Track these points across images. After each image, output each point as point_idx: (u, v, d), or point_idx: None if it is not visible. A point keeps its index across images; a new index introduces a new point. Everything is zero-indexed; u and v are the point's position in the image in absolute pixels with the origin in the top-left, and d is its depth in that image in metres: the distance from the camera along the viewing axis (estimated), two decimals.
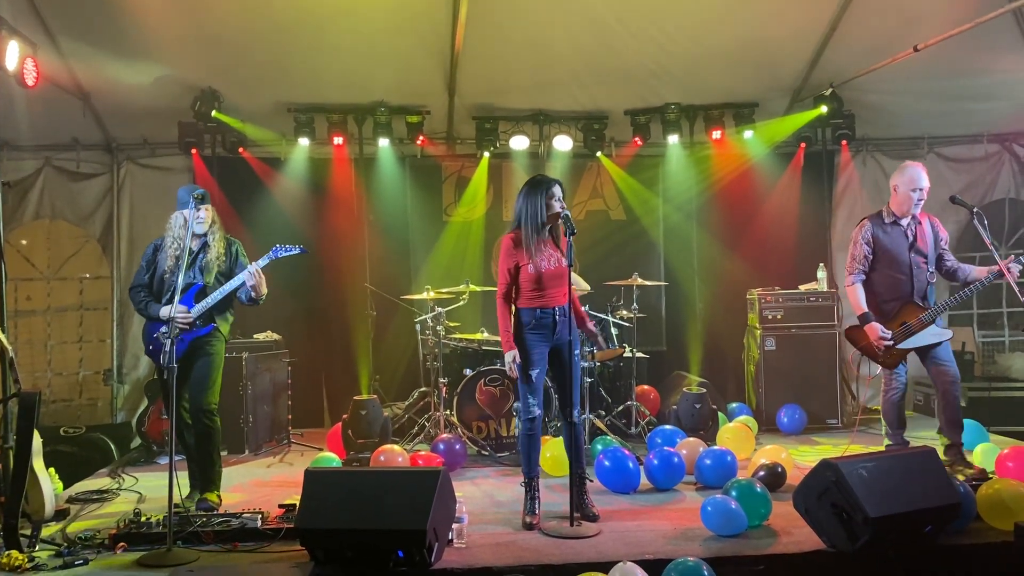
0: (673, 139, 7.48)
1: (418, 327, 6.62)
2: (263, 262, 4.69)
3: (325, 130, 7.22)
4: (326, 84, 6.88)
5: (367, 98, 7.11)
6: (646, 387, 6.87)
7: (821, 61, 6.87)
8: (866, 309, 4.87)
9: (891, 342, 4.83)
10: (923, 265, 4.82)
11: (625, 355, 6.50)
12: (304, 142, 7.20)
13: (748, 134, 7.41)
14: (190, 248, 4.63)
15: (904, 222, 4.86)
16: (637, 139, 7.45)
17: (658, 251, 7.90)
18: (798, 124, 7.43)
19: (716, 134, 7.39)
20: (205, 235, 4.76)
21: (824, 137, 7.64)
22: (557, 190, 4.35)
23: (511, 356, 4.31)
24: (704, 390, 6.38)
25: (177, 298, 4.31)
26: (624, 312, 6.61)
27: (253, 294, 4.69)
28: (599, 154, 7.66)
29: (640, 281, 6.50)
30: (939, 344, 4.83)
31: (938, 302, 4.88)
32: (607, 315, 6.49)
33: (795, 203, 7.80)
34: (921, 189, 4.78)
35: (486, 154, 7.54)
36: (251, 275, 4.62)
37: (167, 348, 4.38)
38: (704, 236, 7.87)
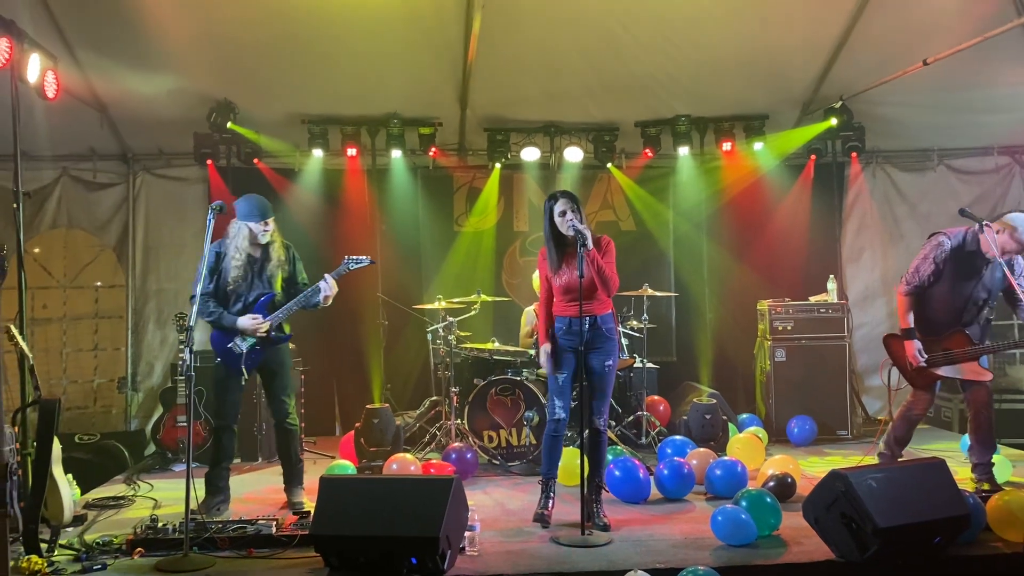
0: (683, 151, 7.53)
1: (429, 336, 6.67)
2: (337, 274, 4.84)
3: (339, 141, 7.30)
4: (340, 96, 6.97)
5: (380, 110, 7.20)
6: (656, 397, 6.90)
7: (831, 74, 6.92)
8: (911, 324, 4.81)
9: (925, 363, 4.83)
10: (982, 302, 4.77)
11: (635, 365, 6.54)
12: (318, 153, 7.29)
13: (758, 146, 7.47)
14: (256, 259, 4.83)
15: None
16: (647, 151, 7.52)
17: (668, 262, 7.94)
18: (808, 136, 7.48)
19: (726, 146, 7.45)
20: (268, 245, 4.89)
21: (834, 149, 7.69)
22: (559, 205, 4.44)
23: (544, 349, 4.48)
24: (714, 401, 6.41)
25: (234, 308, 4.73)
26: (634, 322, 6.65)
27: (323, 304, 4.82)
28: (610, 165, 7.72)
29: (650, 292, 6.54)
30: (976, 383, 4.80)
31: (992, 342, 4.80)
32: (619, 325, 6.54)
33: (805, 215, 7.84)
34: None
35: (497, 165, 7.61)
36: (328, 286, 4.77)
37: (243, 351, 4.76)
38: (714, 247, 7.91)
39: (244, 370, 4.81)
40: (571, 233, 4.36)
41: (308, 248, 6.71)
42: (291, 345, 6.89)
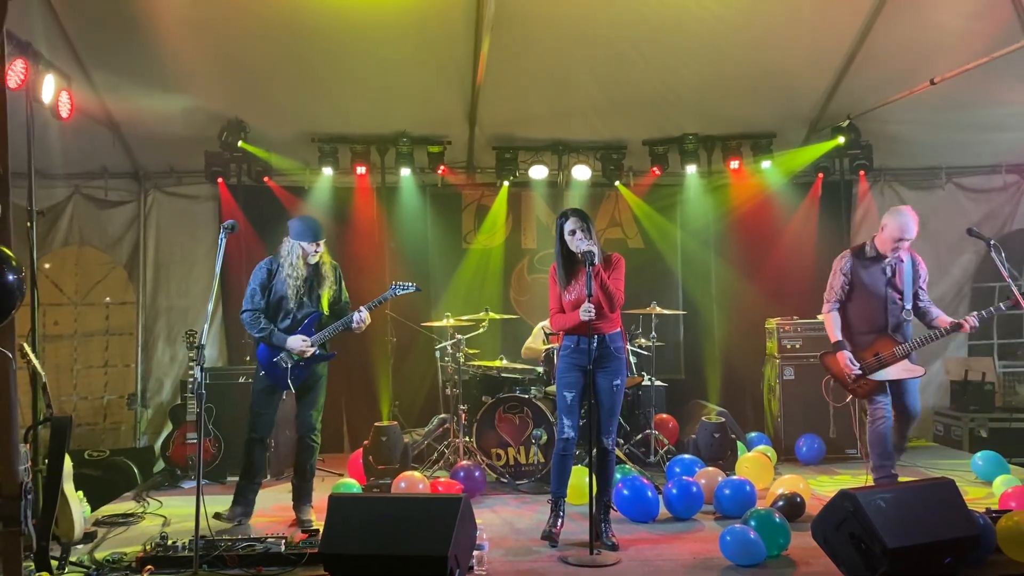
0: (691, 169, 7.56)
1: (438, 354, 6.69)
2: (379, 301, 5.06)
3: (348, 160, 7.36)
4: (350, 115, 7.05)
5: (390, 129, 7.26)
6: (664, 416, 6.90)
7: (838, 92, 6.96)
8: (840, 337, 5.06)
9: (859, 372, 4.98)
10: (899, 301, 5.00)
11: (643, 383, 6.54)
12: (328, 171, 7.34)
13: (766, 164, 7.50)
14: (307, 277, 4.99)
15: (887, 258, 5.04)
16: (655, 169, 7.55)
17: (676, 280, 7.96)
18: (816, 154, 7.51)
19: (734, 164, 7.48)
20: (317, 265, 5.07)
21: (842, 167, 7.71)
22: (569, 223, 4.48)
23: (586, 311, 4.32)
24: (723, 419, 6.41)
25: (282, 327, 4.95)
26: (642, 340, 6.66)
27: (357, 330, 5.05)
28: (617, 183, 7.76)
29: (658, 310, 6.56)
30: (910, 381, 5.01)
31: (914, 338, 5.01)
32: (626, 343, 6.55)
33: (813, 233, 7.85)
34: (905, 240, 4.97)
35: (506, 183, 7.66)
36: (361, 319, 4.99)
37: (288, 366, 4.91)
38: (722, 265, 7.93)
39: (290, 384, 4.97)
40: (579, 252, 4.39)
41: None
42: None
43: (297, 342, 4.92)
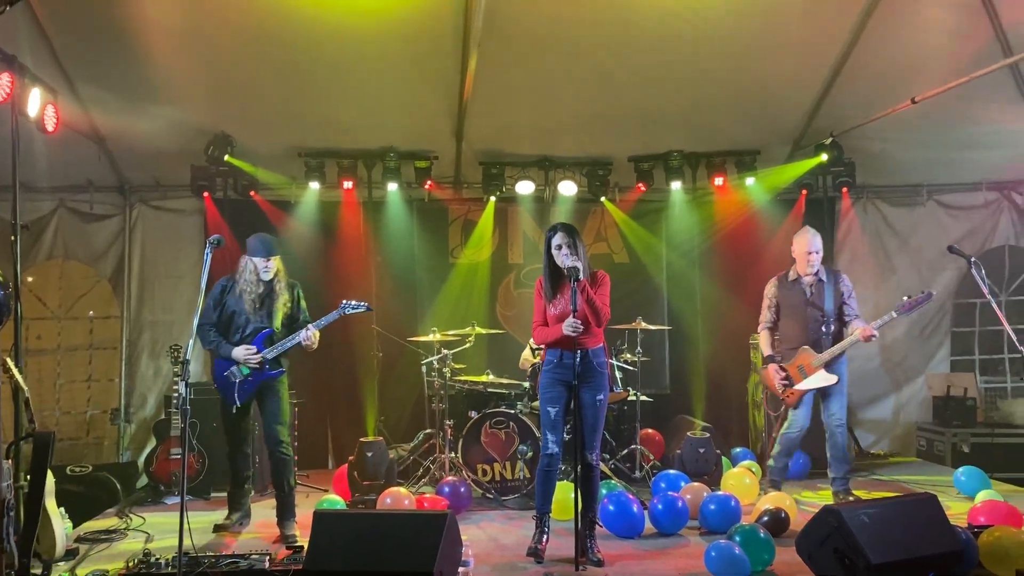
0: (676, 185, 7.61)
1: (424, 369, 6.69)
2: (328, 320, 5.03)
3: (335, 174, 7.37)
4: (337, 129, 7.05)
5: (377, 143, 7.28)
6: (650, 431, 6.93)
7: (822, 110, 7.02)
8: (770, 352, 5.68)
9: (787, 383, 5.53)
10: (820, 318, 5.49)
11: (629, 398, 6.56)
12: (314, 186, 7.34)
13: (750, 181, 7.56)
14: (260, 294, 5.08)
15: (806, 280, 5.59)
16: (640, 185, 7.60)
17: (662, 295, 8.00)
18: (799, 171, 7.58)
19: (718, 181, 7.53)
20: (271, 281, 5.13)
21: (825, 184, 7.78)
22: (556, 238, 4.51)
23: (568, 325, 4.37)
24: (708, 434, 6.44)
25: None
26: (628, 355, 6.68)
27: (307, 347, 5.13)
28: (603, 199, 7.80)
29: (644, 325, 6.58)
30: (832, 390, 5.47)
31: (829, 350, 5.46)
32: (611, 358, 6.57)
33: None
34: (812, 252, 5.54)
35: (492, 198, 7.69)
36: (307, 336, 5.05)
37: (236, 380, 4.97)
38: (707, 281, 7.98)
39: (236, 399, 5.03)
40: (564, 268, 4.41)
41: (303, 280, 6.67)
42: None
43: (241, 351, 5.01)
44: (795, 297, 5.61)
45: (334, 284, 7.35)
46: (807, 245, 5.57)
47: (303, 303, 5.26)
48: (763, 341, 5.75)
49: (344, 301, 5.17)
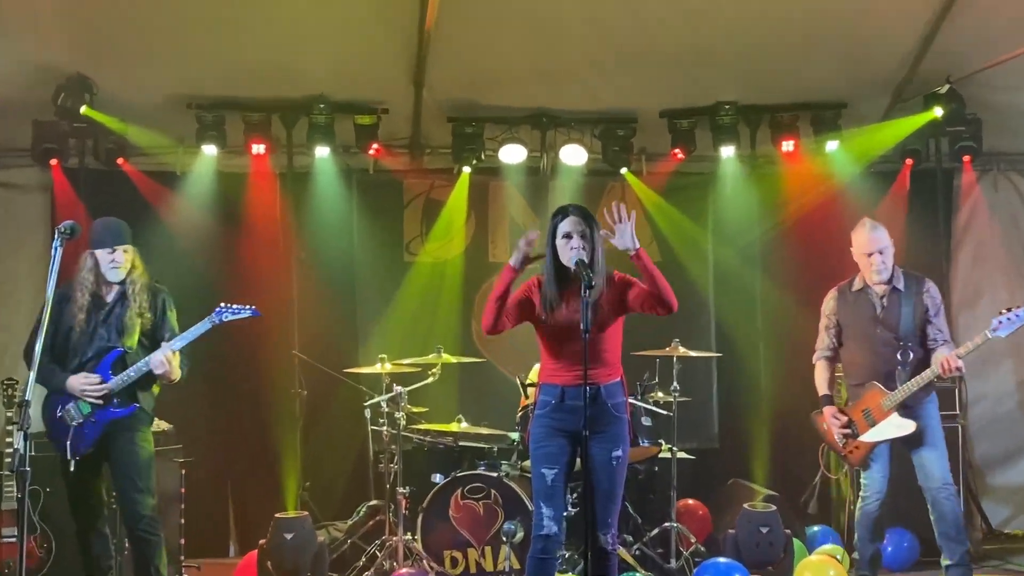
0: (727, 151, 7.62)
1: (368, 413, 6.64)
2: (192, 335, 4.98)
3: (240, 134, 7.33)
4: (242, 70, 7.01)
5: (299, 91, 7.25)
6: (691, 502, 6.91)
7: (934, 46, 7.04)
8: (825, 391, 5.74)
9: (850, 432, 5.54)
10: (892, 342, 5.50)
11: (661, 455, 6.54)
12: (210, 151, 7.31)
13: (832, 146, 7.58)
14: (105, 301, 5.02)
15: (875, 291, 5.62)
16: (677, 151, 7.59)
17: (707, 309, 7.99)
18: (902, 133, 7.60)
19: (787, 145, 7.55)
20: (123, 283, 5.06)
21: (938, 151, 7.83)
22: (565, 224, 4.48)
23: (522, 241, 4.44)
24: (773, 507, 6.43)
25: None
26: (660, 395, 6.66)
27: (164, 379, 5.03)
28: (624, 171, 7.80)
29: (682, 351, 6.56)
30: (923, 443, 5.44)
31: (902, 387, 5.42)
32: (636, 398, 6.55)
33: (899, 242, 7.86)
34: (873, 254, 5.56)
35: (466, 169, 7.67)
36: (160, 361, 4.94)
37: (71, 424, 4.92)
38: (772, 288, 7.98)
39: (72, 449, 4.95)
40: (574, 266, 4.39)
41: (192, 284, 6.70)
42: (163, 425, 6.90)
43: (79, 380, 4.95)
44: (860, 314, 5.67)
45: (236, 291, 7.19)
46: (866, 243, 5.65)
47: (171, 314, 5.20)
48: (819, 375, 5.82)
49: (221, 306, 5.13)
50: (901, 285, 5.60)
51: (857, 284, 5.72)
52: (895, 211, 7.93)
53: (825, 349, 5.79)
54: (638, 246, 4.49)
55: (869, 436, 5.49)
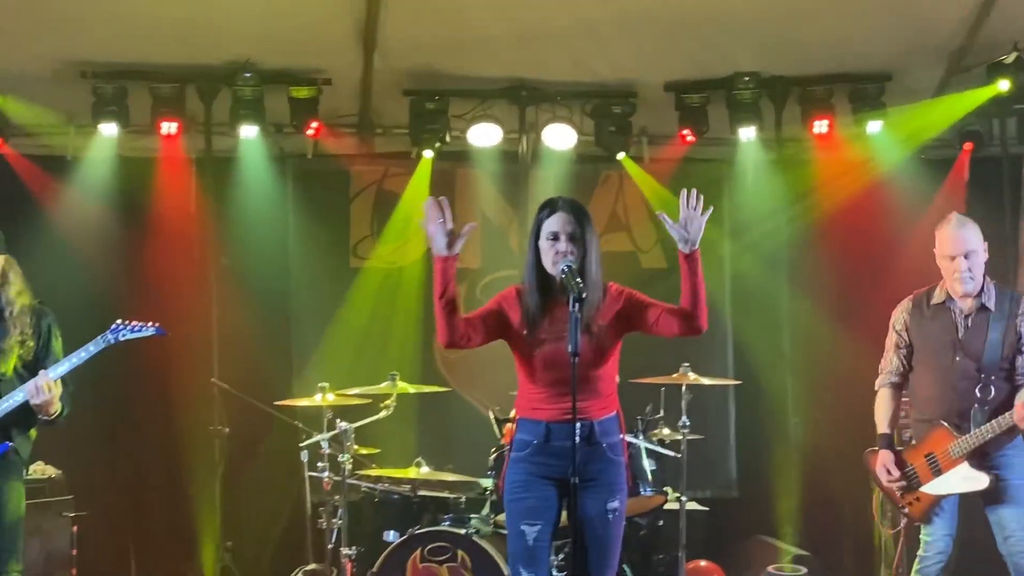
0: (747, 133, 7.64)
1: (305, 456, 6.57)
2: (77, 360, 4.92)
3: (147, 110, 7.28)
4: (150, 31, 6.97)
5: (220, 56, 7.23)
6: (704, 563, 6.89)
7: (998, 4, 7.05)
8: (886, 429, 5.52)
9: (909, 482, 5.38)
10: (972, 374, 5.31)
11: (667, 506, 6.52)
12: (109, 130, 7.26)
13: (875, 126, 7.59)
14: None
15: (959, 307, 5.40)
16: (686, 132, 7.60)
17: (723, 326, 8.02)
18: (960, 111, 7.62)
19: (820, 126, 7.56)
20: None
21: (1004, 133, 7.86)
22: (552, 222, 4.43)
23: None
24: (804, 569, 6.47)
25: None
26: (665, 432, 6.63)
27: (43, 415, 4.89)
28: (622, 157, 7.80)
29: (693, 377, 6.52)
30: (1001, 497, 5.23)
31: (975, 432, 5.25)
32: (636, 436, 6.53)
33: None
34: (957, 257, 5.31)
35: (428, 154, 7.65)
36: (36, 389, 4.81)
37: None
38: (802, 302, 8.00)
39: None
40: (560, 275, 4.36)
41: (85, 298, 6.74)
42: (49, 471, 6.83)
43: None
44: (937, 334, 5.49)
45: (141, 306, 7.12)
46: (949, 243, 5.42)
47: (57, 343, 5.11)
48: (880, 406, 5.65)
49: (117, 323, 5.06)
50: (991, 303, 5.39)
51: (938, 296, 5.52)
52: (951, 206, 7.87)
53: (892, 373, 5.60)
54: (697, 245, 4.42)
55: (932, 488, 5.36)
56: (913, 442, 5.52)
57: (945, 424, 5.30)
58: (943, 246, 5.41)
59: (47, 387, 4.84)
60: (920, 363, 5.52)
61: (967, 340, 5.36)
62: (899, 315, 5.62)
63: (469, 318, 4.46)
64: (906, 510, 5.51)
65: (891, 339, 5.62)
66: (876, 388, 5.67)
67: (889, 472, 5.42)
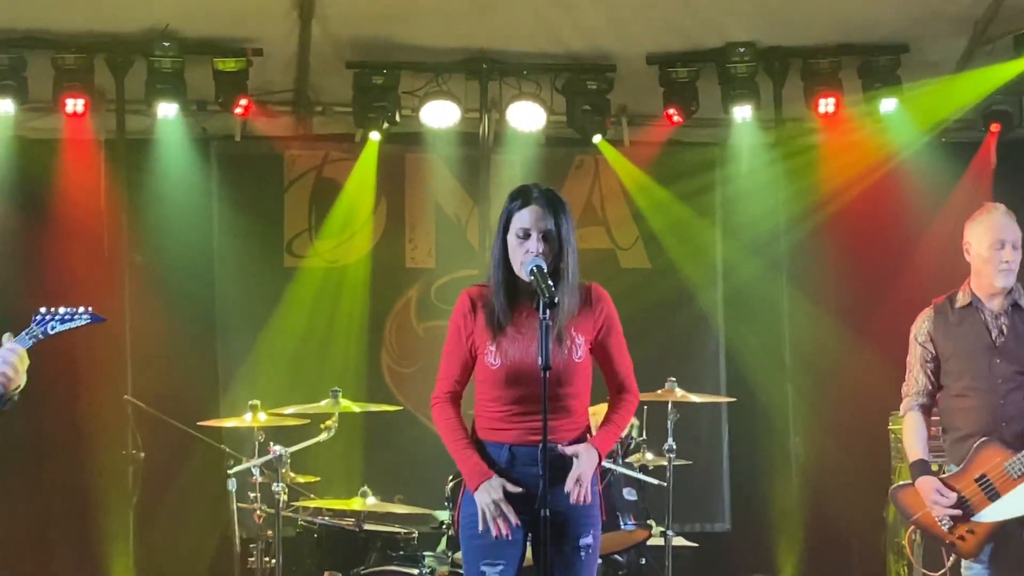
0: (743, 113, 7.64)
1: (232, 485, 6.56)
2: (25, 343, 4.81)
3: (48, 84, 7.25)
4: None
5: (135, 23, 7.19)
6: None
7: None
8: (921, 455, 5.42)
9: (957, 511, 5.23)
10: (1014, 378, 5.31)
11: (651, 542, 6.54)
12: (5, 107, 7.20)
13: (889, 105, 7.63)
14: None
15: (990, 308, 5.41)
16: (672, 112, 7.62)
17: (715, 335, 8.07)
18: (985, 88, 7.67)
19: (827, 105, 7.58)
20: None
21: None
22: (524, 216, 4.42)
23: (487, 493, 4.30)
24: None
25: None
26: (648, 456, 6.65)
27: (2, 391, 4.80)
28: (598, 140, 7.80)
29: (680, 394, 6.51)
30: None
31: None
32: (615, 462, 6.54)
33: None
34: (1005, 246, 5.32)
35: (374, 136, 7.66)
36: (6, 364, 4.70)
37: None
38: (805, 306, 8.04)
39: None
40: (528, 277, 4.36)
41: None
42: None
43: None
44: (969, 340, 5.48)
45: (40, 305, 7.17)
46: (1001, 230, 5.39)
47: None
48: (909, 431, 5.60)
49: (41, 313, 4.98)
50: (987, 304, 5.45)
51: (962, 298, 5.53)
52: (976, 195, 7.99)
53: (919, 394, 5.53)
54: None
55: (988, 515, 5.24)
56: (950, 468, 5.39)
57: (993, 442, 5.26)
58: (989, 233, 5.38)
59: (16, 363, 4.81)
60: (951, 375, 5.48)
61: (1004, 343, 5.38)
62: (921, 326, 5.59)
63: (453, 394, 4.47)
64: (956, 546, 5.40)
65: (914, 355, 5.59)
66: (902, 413, 5.63)
67: (943, 496, 5.27)
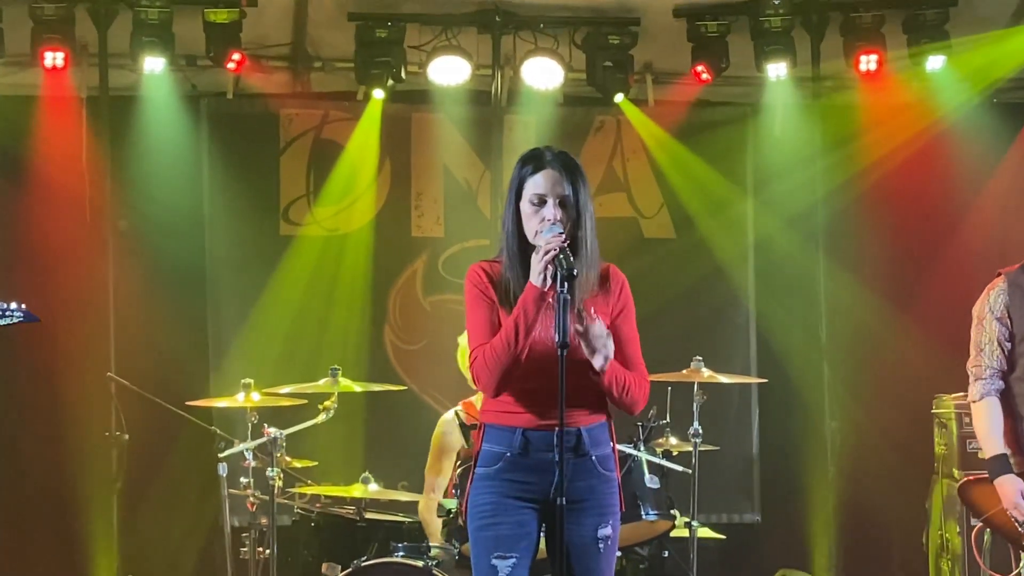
0: (777, 71, 7.65)
1: (224, 470, 6.58)
2: None
3: (26, 37, 7.24)
4: None
5: None
6: None
7: None
8: (1000, 449, 5.28)
9: None
10: None
11: (675, 533, 6.54)
12: None
13: (936, 63, 7.62)
14: None
15: None
16: (701, 69, 7.62)
17: (745, 311, 8.10)
18: None
19: (868, 62, 7.57)
20: None
21: None
22: (537, 181, 4.41)
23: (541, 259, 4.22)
24: None
25: None
26: (672, 442, 6.68)
27: None
28: (620, 99, 7.81)
29: (707, 374, 6.53)
30: None
31: None
32: (635, 447, 6.54)
33: None
34: None
35: (378, 94, 7.65)
36: None
37: None
38: (844, 279, 8.02)
39: None
40: (543, 246, 4.35)
41: None
42: None
43: None
44: None
45: (18, 281, 7.17)
46: None
47: None
48: (986, 419, 5.42)
49: None
50: None
51: None
52: None
53: (993, 378, 5.35)
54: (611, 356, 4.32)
55: None
56: (1017, 459, 5.27)
57: None
58: None
59: None
60: None
61: None
62: (995, 299, 5.39)
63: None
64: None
65: (987, 332, 5.40)
66: (975, 399, 5.43)
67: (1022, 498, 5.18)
